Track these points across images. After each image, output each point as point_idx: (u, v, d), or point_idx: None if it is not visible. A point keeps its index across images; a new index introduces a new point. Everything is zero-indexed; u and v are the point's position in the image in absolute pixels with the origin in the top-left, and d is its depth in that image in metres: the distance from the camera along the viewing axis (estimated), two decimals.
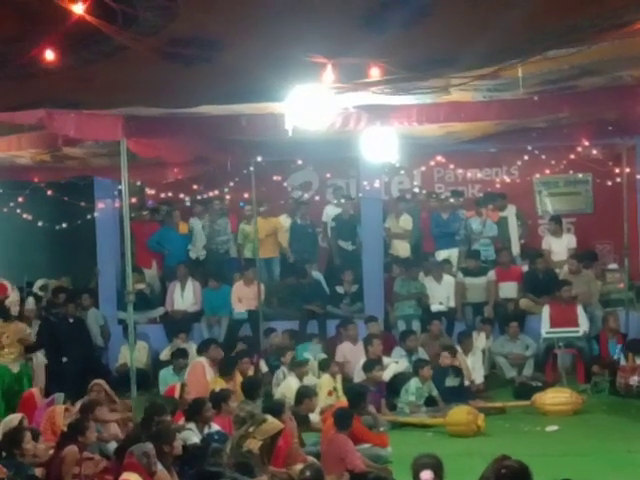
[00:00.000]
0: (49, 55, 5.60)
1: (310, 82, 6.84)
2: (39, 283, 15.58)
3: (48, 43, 5.47)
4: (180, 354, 13.14)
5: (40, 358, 12.57)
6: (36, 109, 8.98)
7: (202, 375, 12.01)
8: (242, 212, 15.77)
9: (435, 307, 14.51)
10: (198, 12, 5.25)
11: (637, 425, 10.21)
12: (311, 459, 9.09)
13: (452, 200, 15.68)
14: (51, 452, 8.24)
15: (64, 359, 13.89)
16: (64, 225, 15.40)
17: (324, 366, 12.25)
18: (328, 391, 11.57)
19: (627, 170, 14.53)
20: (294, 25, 5.58)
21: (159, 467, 7.33)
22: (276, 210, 15.99)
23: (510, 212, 15.72)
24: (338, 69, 6.31)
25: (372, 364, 12.06)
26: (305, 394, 10.48)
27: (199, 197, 15.81)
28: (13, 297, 13.87)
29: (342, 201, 15.98)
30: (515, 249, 15.52)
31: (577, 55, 7.71)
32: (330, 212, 16.07)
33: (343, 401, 10.57)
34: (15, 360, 11.63)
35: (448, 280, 14.69)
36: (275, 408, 9.15)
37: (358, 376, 12.44)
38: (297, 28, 5.66)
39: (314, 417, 10.73)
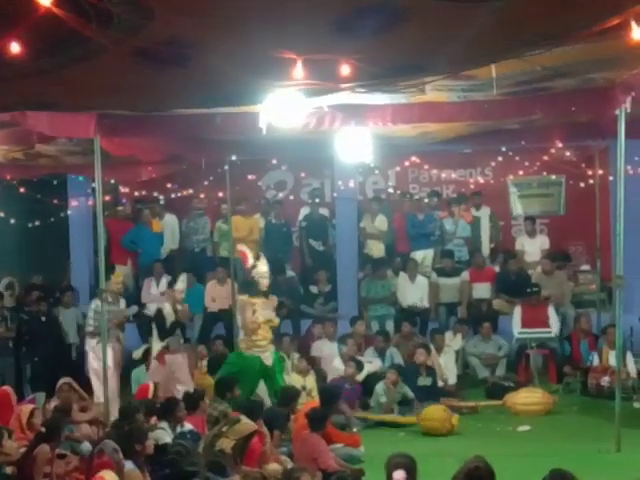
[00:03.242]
0: (21, 57, 5.55)
1: (281, 80, 6.82)
2: (5, 282, 15.44)
3: (20, 45, 5.42)
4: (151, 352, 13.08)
5: None
6: (9, 112, 8.95)
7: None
8: (219, 211, 15.73)
9: (406, 304, 14.56)
10: (173, 13, 5.23)
11: (608, 426, 10.26)
12: (284, 459, 9.10)
13: (427, 200, 15.75)
14: (21, 450, 8.19)
15: (35, 358, 13.81)
16: (37, 223, 15.30)
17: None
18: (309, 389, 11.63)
19: (600, 172, 14.62)
20: (267, 28, 5.58)
21: (131, 466, 7.30)
22: (252, 209, 15.96)
23: (484, 213, 15.78)
24: (309, 65, 6.29)
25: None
26: (291, 395, 10.47)
27: (173, 195, 15.76)
28: None
29: (316, 201, 15.98)
30: (485, 251, 15.58)
31: (550, 56, 7.74)
32: (304, 213, 16.10)
33: (314, 400, 10.56)
34: None
35: (421, 280, 14.73)
36: (252, 409, 9.14)
37: (332, 374, 12.48)
38: (270, 30, 5.66)
39: None
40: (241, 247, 12.16)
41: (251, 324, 11.33)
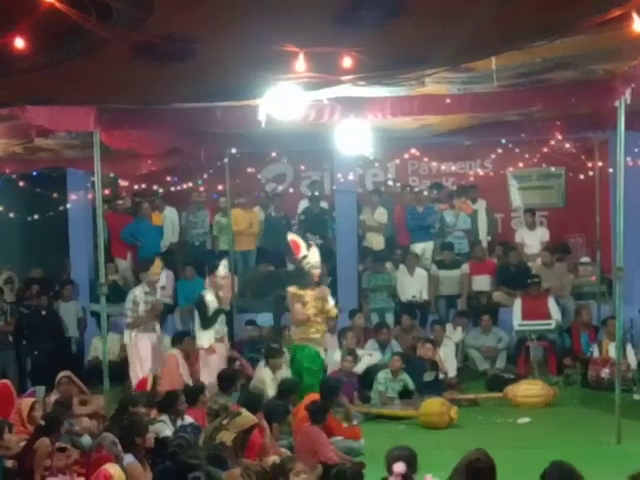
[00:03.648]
0: (23, 52, 5.54)
1: (282, 73, 6.81)
2: (4, 276, 15.44)
3: (22, 40, 5.41)
4: None
5: None
6: (10, 107, 8.94)
7: (175, 367, 11.97)
8: (217, 204, 15.72)
9: (405, 297, 14.56)
10: (172, 8, 5.23)
11: (608, 417, 10.26)
12: (285, 451, 9.11)
13: (426, 193, 15.76)
14: (22, 444, 8.20)
15: (35, 352, 13.83)
16: (36, 217, 15.29)
17: None
18: None
19: (599, 164, 14.61)
20: (268, 21, 5.57)
21: (131, 459, 7.30)
22: (251, 202, 15.95)
23: (480, 206, 15.80)
24: (310, 58, 6.28)
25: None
26: (290, 388, 10.47)
27: (173, 189, 15.75)
28: None
29: (316, 193, 15.97)
30: (482, 243, 15.58)
31: (550, 48, 7.73)
32: (303, 205, 16.09)
33: (314, 394, 10.56)
34: None
35: (420, 273, 14.72)
36: (252, 402, 9.14)
37: (332, 367, 12.49)
38: (271, 24, 5.65)
39: None
40: (292, 236, 11.85)
41: (300, 316, 11.09)
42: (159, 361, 12.00)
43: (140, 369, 11.73)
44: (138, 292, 12.04)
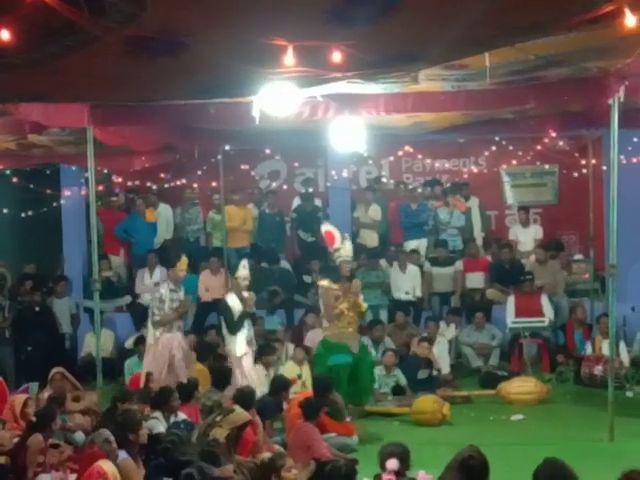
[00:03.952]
0: (13, 48, 5.53)
1: (275, 68, 6.79)
2: None
3: (12, 36, 5.39)
4: (143, 342, 13.06)
5: None
6: (3, 104, 8.94)
7: None
8: (211, 201, 15.71)
9: (398, 295, 14.57)
10: (165, 3, 5.22)
11: (601, 414, 10.28)
12: (278, 448, 9.11)
13: (420, 190, 15.77)
14: (15, 440, 8.19)
15: (29, 348, 13.81)
16: (29, 213, 15.27)
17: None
18: (292, 379, 11.55)
19: (593, 161, 14.60)
20: (260, 16, 5.57)
21: (124, 455, 7.30)
22: (245, 199, 15.94)
23: (473, 204, 15.81)
24: (302, 53, 6.28)
25: None
26: (281, 385, 10.45)
27: (167, 185, 15.74)
28: None
29: (310, 190, 15.95)
30: (477, 240, 15.59)
31: (543, 45, 7.75)
32: (295, 203, 16.08)
33: (307, 390, 10.56)
34: None
35: (413, 270, 14.72)
36: (245, 399, 9.13)
37: None
38: (264, 18, 5.64)
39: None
40: (327, 227, 11.49)
41: (332, 311, 10.81)
42: (186, 361, 11.50)
43: (167, 369, 11.23)
44: (164, 290, 11.51)
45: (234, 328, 11.16)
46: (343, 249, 10.97)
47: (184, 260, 11.79)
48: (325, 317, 11.28)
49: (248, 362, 11.21)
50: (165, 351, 11.20)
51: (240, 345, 11.14)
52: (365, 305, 11.34)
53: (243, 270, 11.42)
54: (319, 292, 11.56)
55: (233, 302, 11.25)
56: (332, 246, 11.16)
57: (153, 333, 11.44)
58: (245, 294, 11.26)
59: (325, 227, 11.60)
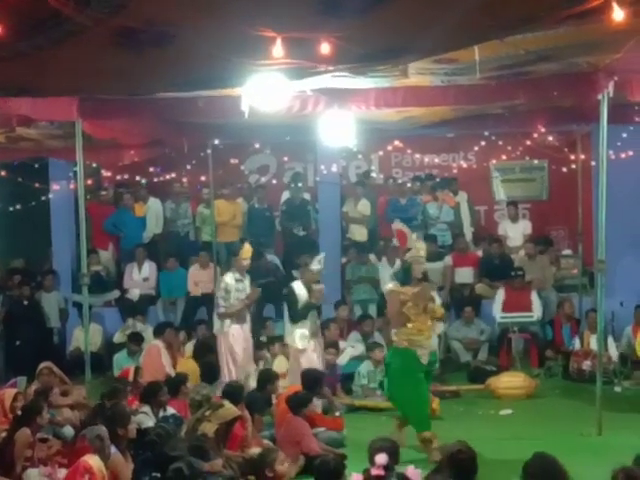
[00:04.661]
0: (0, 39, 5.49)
1: (262, 59, 6.77)
2: None
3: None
4: (134, 338, 13.08)
5: None
6: None
7: (158, 358, 11.97)
8: (201, 195, 15.68)
9: (386, 289, 14.53)
10: None
11: (589, 409, 10.32)
12: (267, 442, 9.12)
13: (409, 185, 15.77)
14: (2, 435, 8.17)
15: (17, 342, 13.78)
16: (18, 207, 15.22)
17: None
18: (281, 373, 11.53)
19: (582, 157, 14.64)
20: (248, 6, 5.54)
21: (113, 450, 7.29)
22: (235, 193, 15.92)
23: (462, 198, 15.81)
24: (290, 44, 6.25)
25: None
26: (267, 379, 10.43)
27: (156, 180, 15.70)
28: None
29: (299, 185, 15.93)
30: (467, 235, 15.61)
31: (533, 40, 7.74)
32: (284, 197, 16.07)
33: (297, 385, 10.56)
34: None
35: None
36: (234, 394, 9.12)
37: None
38: (252, 10, 5.62)
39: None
40: (399, 225, 11.00)
41: (398, 316, 9.60)
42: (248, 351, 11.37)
43: (232, 361, 11.11)
44: (229, 279, 11.17)
45: (296, 316, 10.96)
46: (415, 250, 9.98)
47: (247, 248, 11.49)
48: (391, 323, 10.31)
49: (312, 355, 10.99)
50: (238, 342, 11.07)
51: (302, 339, 10.93)
52: (441, 310, 10.33)
53: (318, 265, 11.16)
54: (385, 294, 10.94)
55: (300, 290, 11.04)
56: (403, 246, 10.60)
57: (220, 325, 11.25)
58: (315, 286, 11.04)
59: (396, 225, 11.24)
